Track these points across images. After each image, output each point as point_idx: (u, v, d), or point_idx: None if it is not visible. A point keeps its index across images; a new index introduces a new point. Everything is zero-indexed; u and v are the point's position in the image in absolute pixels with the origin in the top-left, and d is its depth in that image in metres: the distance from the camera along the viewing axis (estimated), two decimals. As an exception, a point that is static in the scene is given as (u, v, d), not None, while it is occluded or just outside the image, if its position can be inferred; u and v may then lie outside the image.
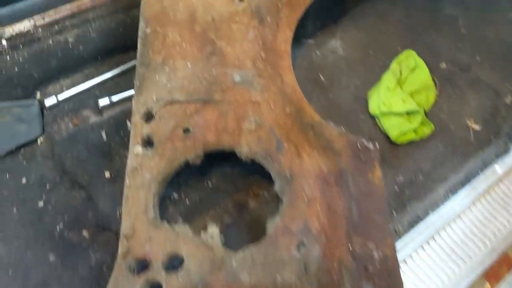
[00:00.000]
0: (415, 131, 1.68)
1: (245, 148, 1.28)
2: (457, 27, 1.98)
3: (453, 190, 1.53)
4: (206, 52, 1.44)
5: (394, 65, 1.85)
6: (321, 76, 1.87)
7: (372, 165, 1.31)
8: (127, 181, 1.22)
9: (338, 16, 2.04)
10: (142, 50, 1.43)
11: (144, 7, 1.49)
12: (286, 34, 1.55)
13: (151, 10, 1.48)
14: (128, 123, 1.54)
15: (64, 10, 1.57)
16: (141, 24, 1.47)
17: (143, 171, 1.25)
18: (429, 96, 1.80)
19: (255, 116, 1.33)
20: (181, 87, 1.37)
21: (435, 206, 1.51)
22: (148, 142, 1.31)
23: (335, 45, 1.99)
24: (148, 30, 1.45)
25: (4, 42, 1.51)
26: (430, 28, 1.99)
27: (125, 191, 1.22)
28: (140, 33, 1.45)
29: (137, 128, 1.32)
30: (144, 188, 1.22)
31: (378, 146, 1.32)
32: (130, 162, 1.26)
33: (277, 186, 1.24)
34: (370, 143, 1.33)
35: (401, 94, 1.75)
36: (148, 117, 1.35)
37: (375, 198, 1.25)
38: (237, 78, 1.40)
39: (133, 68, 1.70)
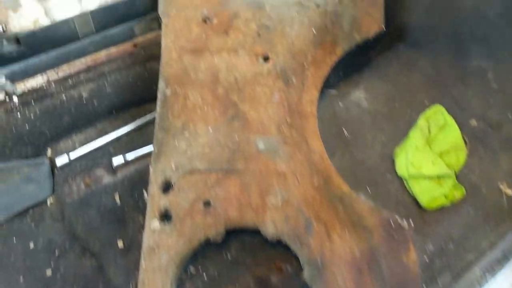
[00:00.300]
0: (445, 196, 1.58)
1: (271, 228, 1.19)
2: (487, 80, 1.89)
3: (490, 270, 1.43)
4: (228, 116, 1.35)
5: (421, 121, 1.76)
6: (344, 131, 1.78)
7: (406, 246, 1.21)
8: (143, 263, 1.13)
9: (362, 65, 1.96)
10: (161, 112, 1.34)
11: (164, 66, 1.41)
12: (312, 94, 1.46)
13: (171, 69, 1.40)
14: (145, 193, 1.45)
15: (79, 64, 1.50)
16: (161, 84, 1.39)
17: (160, 251, 1.15)
18: (460, 157, 1.70)
19: (281, 190, 1.24)
20: (201, 155, 1.28)
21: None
22: (165, 216, 1.22)
23: (359, 96, 1.90)
24: (168, 92, 1.37)
25: (15, 99, 1.43)
26: (458, 81, 1.89)
27: (141, 273, 1.13)
28: (159, 94, 1.37)
29: (154, 200, 1.23)
30: (161, 272, 1.13)
31: (412, 224, 1.22)
32: (147, 239, 1.17)
33: (306, 274, 1.14)
34: (404, 220, 1.23)
35: (431, 155, 1.66)
36: (166, 187, 1.26)
37: (410, 286, 1.15)
38: (261, 145, 1.31)
39: (148, 123, 1.62)
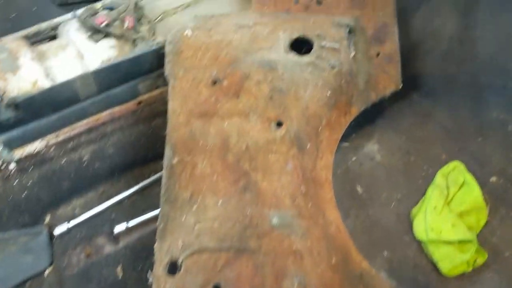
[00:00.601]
0: (467, 262, 1.49)
1: (287, 318, 1.09)
2: (507, 133, 1.81)
3: None
4: (239, 187, 1.26)
5: (439, 179, 1.67)
6: (358, 188, 1.69)
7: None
8: None
9: (375, 116, 1.88)
10: (168, 183, 1.25)
11: (171, 131, 1.33)
12: (327, 159, 1.38)
13: (178, 135, 1.32)
14: (149, 271, 1.36)
15: (80, 125, 1.41)
16: (167, 152, 1.30)
17: None
18: (480, 218, 1.61)
19: (298, 273, 1.15)
20: (211, 231, 1.19)
21: None
22: (173, 302, 1.12)
23: (372, 149, 1.82)
24: (175, 160, 1.28)
25: (12, 165, 1.35)
26: (476, 134, 1.81)
27: None
28: (165, 162, 1.28)
29: (160, 282, 1.14)
30: None
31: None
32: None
33: None
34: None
35: (451, 217, 1.57)
36: (173, 268, 1.16)
37: None
38: (274, 220, 1.22)
39: (152, 184, 1.53)
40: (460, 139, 1.82)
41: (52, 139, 1.40)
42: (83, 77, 1.36)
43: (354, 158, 1.78)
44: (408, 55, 1.89)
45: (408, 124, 1.88)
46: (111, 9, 1.50)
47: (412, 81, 1.93)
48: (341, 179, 1.71)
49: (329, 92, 1.39)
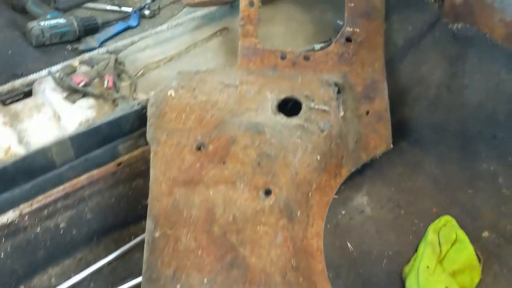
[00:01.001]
0: (461, 325, 1.44)
1: None
2: (498, 185, 1.77)
3: None
4: (226, 263, 1.20)
5: (431, 235, 1.63)
6: (348, 244, 1.64)
7: None
8: None
9: (364, 166, 1.83)
10: (149, 259, 1.18)
11: (152, 201, 1.25)
12: (318, 226, 1.33)
13: (161, 205, 1.25)
14: None
15: (57, 192, 1.33)
16: (149, 225, 1.23)
17: None
18: (474, 276, 1.58)
19: None
20: (196, 314, 1.12)
21: None
22: None
23: (362, 202, 1.77)
24: (157, 234, 1.21)
25: (-18, 238, 1.26)
26: (467, 186, 1.78)
27: None
28: (147, 236, 1.21)
29: None
30: None
31: None
32: None
33: None
34: None
35: (444, 278, 1.53)
36: None
37: None
38: (264, 300, 1.15)
39: (132, 248, 1.45)
40: (450, 191, 1.78)
41: (26, 208, 1.32)
42: (60, 143, 1.29)
43: (343, 212, 1.73)
44: (396, 101, 1.86)
45: (397, 174, 1.83)
46: (90, 65, 1.42)
47: (400, 128, 1.89)
48: (331, 235, 1.65)
49: (319, 157, 1.34)
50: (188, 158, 1.30)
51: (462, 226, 1.66)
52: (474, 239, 1.64)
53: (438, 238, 1.64)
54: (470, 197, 1.76)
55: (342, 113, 1.44)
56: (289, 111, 1.48)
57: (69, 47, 2.14)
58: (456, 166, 1.83)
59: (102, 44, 2.14)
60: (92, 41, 2.16)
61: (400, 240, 1.66)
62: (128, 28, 2.28)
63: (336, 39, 1.59)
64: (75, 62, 1.45)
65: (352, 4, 1.58)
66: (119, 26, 2.27)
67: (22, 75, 1.91)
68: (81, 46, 2.08)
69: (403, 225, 1.70)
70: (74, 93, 1.40)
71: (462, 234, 1.64)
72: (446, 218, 1.69)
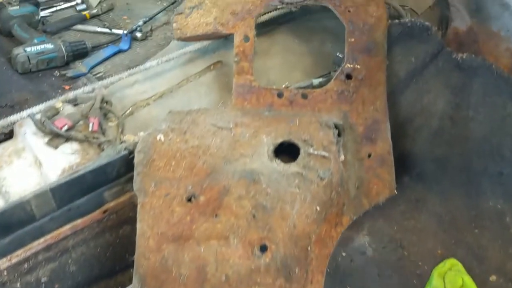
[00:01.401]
0: None
1: None
2: (505, 225, 1.70)
3: None
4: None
5: (436, 280, 1.55)
6: (349, 289, 1.55)
7: None
8: None
9: (365, 202, 1.74)
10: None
11: (139, 259, 1.17)
12: (318, 282, 1.25)
13: (148, 264, 1.16)
14: None
15: (37, 244, 1.23)
16: (135, 284, 1.14)
17: None
18: (481, 325, 1.48)
19: None
20: None
21: None
22: None
23: (363, 242, 1.69)
24: (143, 296, 1.12)
25: (-45, 299, 1.16)
26: (473, 225, 1.70)
27: None
28: (131, 301, 1.12)
29: None
30: None
31: None
32: None
33: None
34: None
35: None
36: None
37: None
38: None
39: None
40: (455, 230, 1.70)
41: (4, 263, 1.22)
42: (40, 195, 1.20)
43: (344, 254, 1.64)
44: (398, 133, 1.78)
45: (399, 212, 1.75)
46: (74, 104, 1.33)
47: (402, 162, 1.81)
48: (332, 279, 1.57)
49: (318, 207, 1.25)
50: (178, 210, 1.21)
51: (469, 269, 1.57)
52: (481, 284, 1.56)
53: (444, 283, 1.56)
54: (476, 237, 1.68)
55: (342, 157, 1.36)
56: (286, 150, 1.40)
57: (56, 73, 2.05)
58: (460, 203, 1.75)
59: (91, 69, 2.05)
60: (81, 66, 2.07)
61: (403, 285, 1.57)
62: (119, 51, 2.19)
63: (335, 76, 1.51)
64: (58, 103, 1.36)
65: (353, 39, 1.50)
66: (110, 49, 2.18)
67: (6, 106, 1.82)
68: (69, 73, 1.99)
69: (406, 268, 1.62)
70: (56, 137, 1.32)
71: (468, 280, 1.56)
72: (452, 262, 1.60)
